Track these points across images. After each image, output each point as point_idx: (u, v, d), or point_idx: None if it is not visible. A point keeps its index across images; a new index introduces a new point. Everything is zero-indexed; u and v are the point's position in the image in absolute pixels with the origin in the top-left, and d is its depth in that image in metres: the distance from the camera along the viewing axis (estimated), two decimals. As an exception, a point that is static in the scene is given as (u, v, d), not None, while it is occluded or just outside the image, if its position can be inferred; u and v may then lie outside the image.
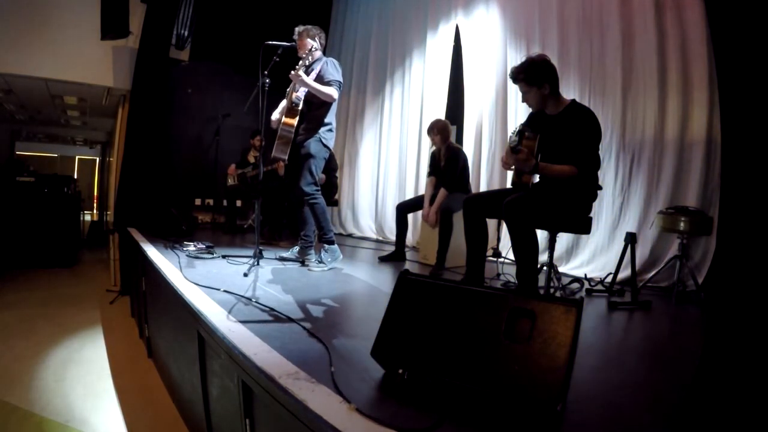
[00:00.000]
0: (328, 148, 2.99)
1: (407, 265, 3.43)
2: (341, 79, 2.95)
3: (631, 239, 2.53)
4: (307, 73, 2.92)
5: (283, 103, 2.99)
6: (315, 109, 2.94)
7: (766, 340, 1.97)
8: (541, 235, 2.58)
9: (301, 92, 2.87)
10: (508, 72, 2.31)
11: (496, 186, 4.00)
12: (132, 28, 4.91)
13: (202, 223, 5.72)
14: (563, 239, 3.41)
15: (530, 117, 2.44)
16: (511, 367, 1.02)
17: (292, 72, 2.77)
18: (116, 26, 4.77)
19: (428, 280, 1.31)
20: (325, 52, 3.12)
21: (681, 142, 2.92)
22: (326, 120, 2.95)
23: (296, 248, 3.13)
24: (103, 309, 3.99)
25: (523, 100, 2.31)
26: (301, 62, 2.82)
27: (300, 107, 2.86)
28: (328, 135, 2.97)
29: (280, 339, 1.45)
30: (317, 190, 2.94)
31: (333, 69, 2.93)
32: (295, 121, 2.83)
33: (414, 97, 5.06)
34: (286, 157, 2.88)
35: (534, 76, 2.19)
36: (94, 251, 7.13)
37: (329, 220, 3.05)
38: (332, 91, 2.86)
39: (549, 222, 2.29)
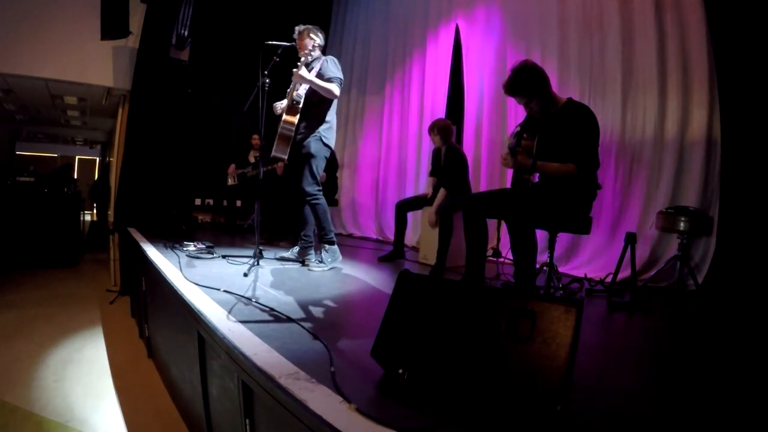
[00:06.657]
0: (328, 146, 2.98)
1: (407, 265, 3.43)
2: (342, 76, 2.94)
3: (630, 239, 2.53)
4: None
5: (285, 101, 2.99)
6: (314, 107, 2.93)
7: (766, 339, 1.97)
8: (541, 235, 2.58)
9: (302, 90, 2.87)
10: (503, 87, 2.25)
11: (496, 186, 4.01)
12: (132, 28, 4.91)
13: (202, 223, 5.73)
14: (563, 239, 3.41)
15: (528, 117, 2.44)
16: (511, 367, 1.02)
17: (294, 70, 2.79)
18: (116, 26, 4.78)
19: (428, 280, 1.31)
20: (324, 51, 3.12)
21: (681, 142, 2.92)
22: (326, 118, 2.95)
23: (296, 248, 3.13)
24: (103, 309, 3.99)
25: (528, 111, 2.30)
26: (302, 59, 2.85)
27: (300, 105, 2.86)
28: (328, 134, 2.96)
29: (280, 339, 1.45)
30: (319, 190, 2.93)
31: (333, 66, 2.92)
32: (295, 119, 2.83)
33: (414, 97, 5.06)
34: (286, 157, 2.88)
35: (530, 84, 2.17)
36: (94, 251, 7.13)
37: (330, 221, 3.04)
38: (333, 88, 2.85)
39: (549, 222, 2.29)
